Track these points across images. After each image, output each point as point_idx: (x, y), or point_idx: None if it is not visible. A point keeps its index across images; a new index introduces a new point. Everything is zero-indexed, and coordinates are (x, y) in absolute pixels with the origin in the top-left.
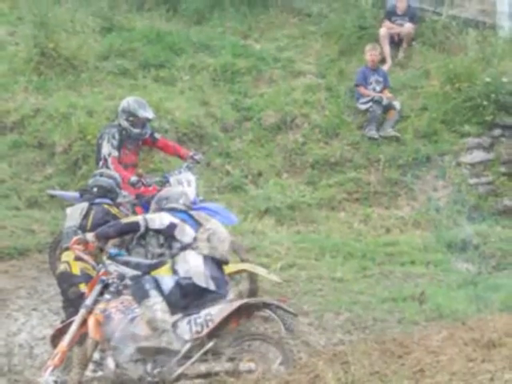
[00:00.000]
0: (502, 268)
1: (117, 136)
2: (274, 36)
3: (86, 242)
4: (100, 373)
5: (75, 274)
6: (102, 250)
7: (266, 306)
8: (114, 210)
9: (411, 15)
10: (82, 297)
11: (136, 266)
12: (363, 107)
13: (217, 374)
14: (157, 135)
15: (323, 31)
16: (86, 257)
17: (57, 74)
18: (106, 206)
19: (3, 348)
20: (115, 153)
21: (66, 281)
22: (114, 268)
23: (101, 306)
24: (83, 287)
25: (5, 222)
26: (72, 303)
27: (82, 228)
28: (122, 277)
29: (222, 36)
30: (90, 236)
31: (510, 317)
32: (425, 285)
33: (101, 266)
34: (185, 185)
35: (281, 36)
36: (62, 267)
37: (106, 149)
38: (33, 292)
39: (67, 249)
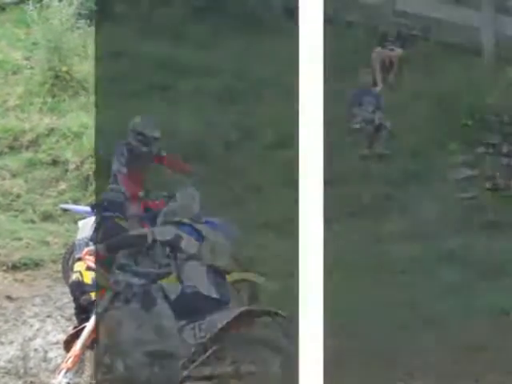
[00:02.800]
0: (487, 277)
1: (126, 154)
2: (274, 60)
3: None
4: (110, 375)
5: (87, 283)
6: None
7: (266, 313)
8: (123, 223)
9: (401, 41)
10: (93, 304)
11: (144, 276)
12: (356, 126)
13: (219, 376)
14: (163, 153)
15: None
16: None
17: (69, 96)
18: (116, 220)
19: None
20: (124, 169)
21: (78, 289)
22: (123, 277)
23: (111, 312)
24: (94, 295)
25: (21, 234)
26: (84, 310)
27: (94, 240)
28: (130, 285)
29: (224, 60)
30: (100, 247)
31: (492, 322)
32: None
33: (111, 275)
34: (189, 199)
35: (279, 60)
36: (74, 276)
37: (115, 166)
38: (47, 299)
39: (79, 259)
